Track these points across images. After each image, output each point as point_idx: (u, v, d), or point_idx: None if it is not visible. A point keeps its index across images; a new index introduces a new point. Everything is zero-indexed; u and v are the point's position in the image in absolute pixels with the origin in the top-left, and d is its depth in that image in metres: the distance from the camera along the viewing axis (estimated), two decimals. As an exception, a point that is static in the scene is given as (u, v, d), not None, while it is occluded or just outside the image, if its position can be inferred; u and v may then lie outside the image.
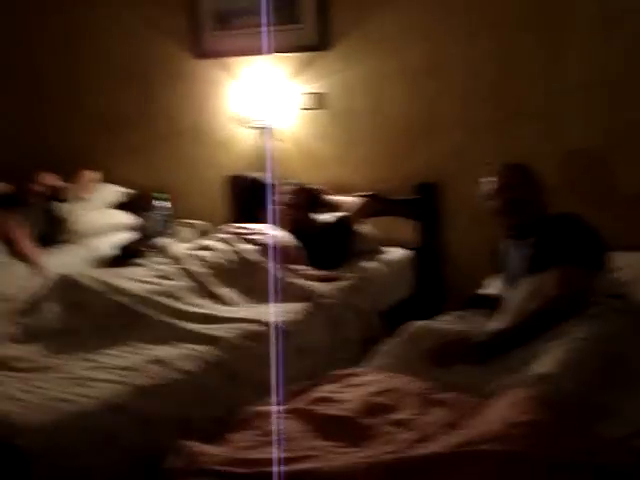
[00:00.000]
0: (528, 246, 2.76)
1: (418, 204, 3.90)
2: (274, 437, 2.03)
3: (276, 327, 3.00)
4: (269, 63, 4.19)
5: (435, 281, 3.95)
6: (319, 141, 4.23)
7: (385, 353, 2.57)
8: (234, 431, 2.14)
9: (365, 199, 3.90)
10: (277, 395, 2.37)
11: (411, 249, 3.95)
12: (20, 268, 4.10)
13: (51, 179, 4.83)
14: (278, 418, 2.12)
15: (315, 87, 4.15)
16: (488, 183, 2.91)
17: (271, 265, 3.45)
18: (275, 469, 1.83)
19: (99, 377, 2.55)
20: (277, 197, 3.94)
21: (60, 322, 3.02)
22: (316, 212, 3.93)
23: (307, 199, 3.87)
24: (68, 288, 3.16)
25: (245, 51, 4.24)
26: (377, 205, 3.92)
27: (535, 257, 2.69)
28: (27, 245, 4.22)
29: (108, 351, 2.79)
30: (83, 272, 3.69)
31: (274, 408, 2.20)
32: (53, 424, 2.25)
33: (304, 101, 4.19)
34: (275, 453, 1.93)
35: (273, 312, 3.12)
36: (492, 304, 2.85)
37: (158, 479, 2.03)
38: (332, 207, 3.97)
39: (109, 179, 4.88)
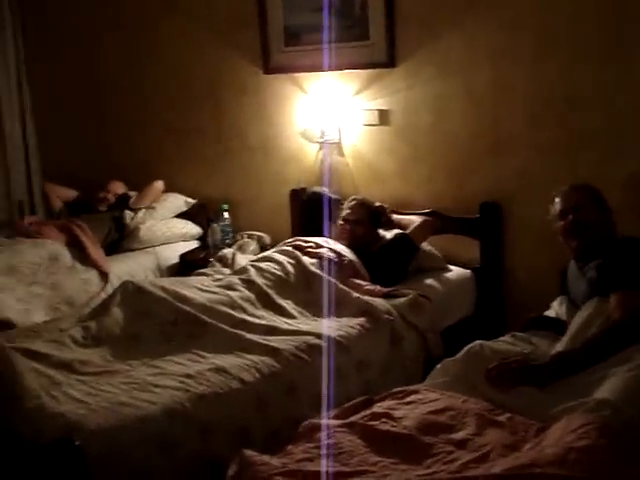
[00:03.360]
0: (592, 269, 2.74)
1: (480, 223, 3.88)
2: (331, 451, 2.05)
3: (335, 341, 3.02)
4: (336, 79, 4.23)
5: (496, 301, 3.92)
6: (382, 157, 4.25)
7: (445, 372, 2.56)
8: (292, 443, 2.16)
9: (428, 218, 3.90)
10: (335, 409, 2.39)
11: (472, 268, 3.93)
12: (87, 274, 4.21)
13: (120, 187, 4.97)
14: (336, 432, 2.14)
15: (380, 103, 4.17)
16: (555, 205, 2.90)
17: (331, 279, 3.48)
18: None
19: (161, 383, 2.60)
20: (339, 212, 3.97)
21: (125, 328, 3.10)
22: (377, 229, 3.94)
23: (368, 215, 3.88)
24: (133, 294, 3.24)
25: (313, 67, 4.29)
26: (439, 223, 3.92)
27: (599, 280, 2.67)
28: (95, 251, 4.33)
29: (171, 358, 2.85)
30: (148, 279, 3.79)
31: (332, 422, 2.22)
32: (114, 427, 2.32)
33: (368, 117, 4.21)
34: (332, 467, 1.96)
35: (332, 326, 3.15)
36: (556, 326, 2.82)
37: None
38: (394, 224, 3.98)
39: (176, 189, 4.99)
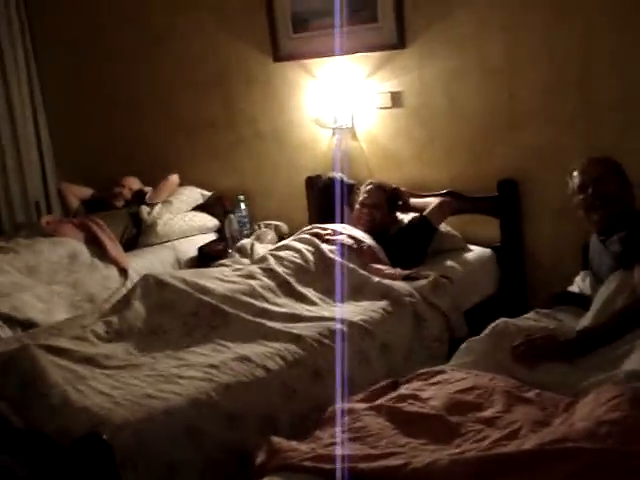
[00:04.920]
0: (615, 242, 2.70)
1: (499, 201, 3.84)
2: (360, 434, 2.04)
3: (358, 326, 3.01)
4: (346, 63, 4.20)
5: (517, 280, 3.89)
6: (397, 140, 4.22)
7: (470, 351, 2.54)
8: (320, 428, 2.15)
9: (445, 198, 3.87)
10: (361, 393, 2.38)
11: (492, 247, 3.90)
12: (107, 270, 4.22)
13: (134, 183, 4.97)
14: (363, 415, 2.13)
15: (392, 85, 4.13)
16: (574, 178, 2.86)
17: (351, 265, 3.46)
18: (361, 465, 1.84)
19: (186, 374, 2.60)
20: (356, 197, 3.95)
21: (147, 321, 3.10)
22: (395, 212, 3.92)
23: (385, 199, 3.85)
24: (154, 288, 3.24)
25: (323, 52, 4.26)
26: (457, 204, 3.89)
27: (623, 254, 2.63)
28: (114, 247, 4.34)
29: (194, 349, 2.85)
30: (167, 272, 3.79)
31: (359, 405, 2.21)
32: (141, 420, 2.31)
33: (381, 100, 4.18)
34: (360, 450, 1.94)
35: (355, 311, 3.13)
36: (581, 301, 2.79)
37: (246, 475, 2.06)
38: (411, 207, 3.95)
39: (191, 182, 4.98)
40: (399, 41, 4.03)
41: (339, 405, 2.24)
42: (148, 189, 4.87)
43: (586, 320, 2.55)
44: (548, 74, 3.64)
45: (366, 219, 3.82)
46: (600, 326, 2.43)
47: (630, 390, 1.99)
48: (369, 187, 3.88)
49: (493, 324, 2.64)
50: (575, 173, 2.85)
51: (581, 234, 3.11)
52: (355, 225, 3.84)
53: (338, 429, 2.08)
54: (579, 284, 3.12)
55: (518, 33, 3.68)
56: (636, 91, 3.42)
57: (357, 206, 3.88)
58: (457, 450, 1.88)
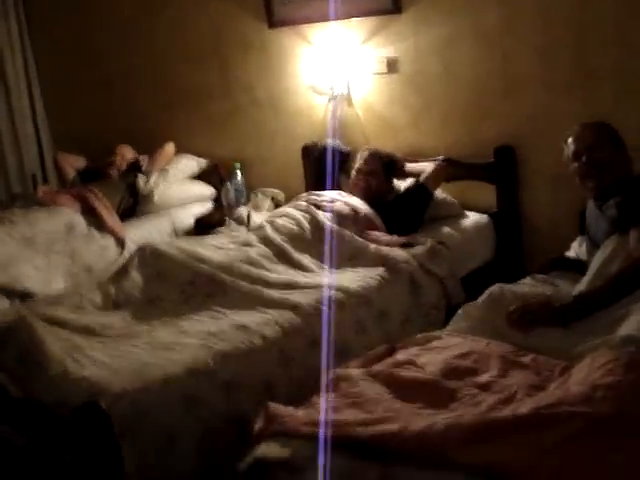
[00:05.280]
0: (611, 207, 2.70)
1: (495, 168, 3.83)
2: (356, 400, 2.05)
3: (355, 292, 3.02)
4: (341, 29, 4.16)
5: (515, 245, 3.89)
6: (392, 107, 4.19)
7: (467, 316, 2.55)
8: (316, 394, 2.16)
9: (440, 164, 3.85)
10: (358, 359, 2.39)
11: (489, 214, 3.89)
12: (104, 240, 4.22)
13: (128, 151, 4.94)
14: (360, 380, 2.14)
15: (388, 51, 4.10)
16: (569, 145, 2.84)
17: (347, 232, 3.46)
18: (357, 430, 1.85)
19: (183, 342, 2.62)
20: (352, 164, 3.94)
21: (144, 290, 3.11)
22: (391, 178, 3.91)
23: (382, 165, 3.84)
24: (151, 257, 3.24)
25: (318, 17, 4.22)
26: (453, 170, 3.87)
27: (619, 218, 2.63)
28: (110, 217, 4.33)
29: (192, 317, 2.86)
30: (164, 241, 3.79)
31: (355, 371, 2.22)
32: (139, 389, 2.32)
33: (377, 66, 4.15)
34: (357, 415, 1.96)
35: (351, 278, 3.14)
36: (577, 267, 2.80)
37: (244, 442, 2.07)
38: (407, 173, 3.94)
39: (187, 151, 4.96)
40: (394, 6, 3.99)
41: (336, 370, 2.25)
42: (143, 158, 4.85)
43: (582, 285, 2.55)
44: (543, 40, 3.61)
45: (362, 186, 3.82)
46: (596, 291, 2.43)
47: (625, 354, 2.00)
48: (365, 154, 3.87)
49: (489, 290, 2.65)
50: (570, 140, 2.84)
51: (577, 200, 3.10)
52: (351, 192, 3.83)
53: (335, 394, 2.09)
54: (576, 249, 3.12)
55: (513, -1, 3.65)
56: (632, 57, 3.39)
57: (353, 173, 3.87)
58: (453, 414, 1.89)
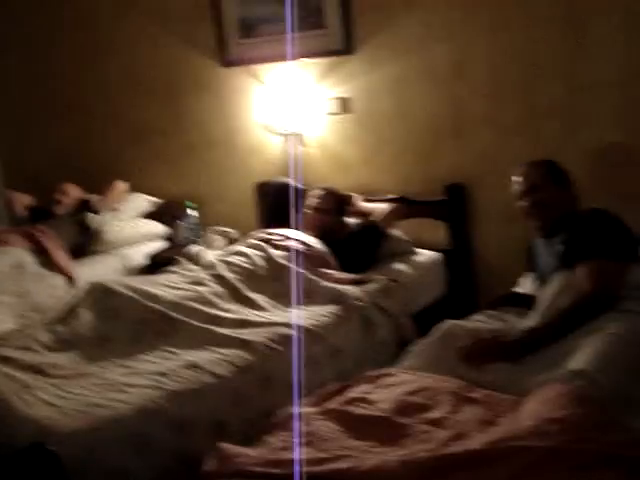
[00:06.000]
0: (557, 243, 2.75)
1: (447, 205, 3.88)
2: (309, 438, 2.04)
3: (308, 330, 3.01)
4: (295, 69, 4.20)
5: (466, 282, 3.93)
6: (346, 145, 4.24)
7: (418, 353, 2.57)
8: (269, 433, 2.15)
9: (394, 204, 3.88)
10: (311, 397, 2.38)
11: (441, 251, 3.93)
12: (54, 279, 4.15)
13: (75, 190, 4.88)
14: (312, 419, 2.13)
15: (341, 91, 4.15)
16: (515, 184, 2.90)
17: (301, 269, 3.46)
18: (310, 469, 1.84)
19: (134, 382, 2.57)
20: (306, 202, 3.95)
21: (94, 329, 3.05)
22: (344, 217, 3.93)
23: (335, 204, 3.87)
24: (101, 295, 3.20)
25: (271, 57, 4.27)
26: (406, 210, 3.91)
27: (565, 253, 2.68)
28: (60, 256, 4.26)
29: (143, 357, 2.81)
30: (115, 279, 3.74)
31: (308, 409, 2.21)
32: (88, 429, 2.27)
33: (330, 106, 4.20)
34: (310, 454, 1.94)
35: (304, 315, 3.13)
36: (526, 302, 2.84)
37: (195, 482, 2.05)
38: (361, 213, 3.97)
39: (140, 189, 4.93)
40: (346, 47, 4.05)
41: (288, 409, 2.24)
42: (93, 197, 4.80)
43: (531, 320, 2.59)
44: (492, 79, 3.70)
45: (316, 224, 3.83)
46: (544, 326, 2.46)
47: (574, 388, 2.03)
48: (320, 192, 3.88)
49: (440, 326, 2.67)
50: (516, 179, 2.90)
51: (527, 236, 3.15)
52: (305, 229, 3.84)
53: (287, 433, 2.08)
54: (525, 285, 3.17)
55: (462, 39, 3.73)
56: (577, 94, 3.48)
57: (307, 211, 3.88)
58: (405, 451, 1.89)
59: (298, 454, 1.93)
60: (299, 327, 2.99)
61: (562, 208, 2.80)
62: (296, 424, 2.12)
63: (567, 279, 2.59)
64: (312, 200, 3.87)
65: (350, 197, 3.94)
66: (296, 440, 2.03)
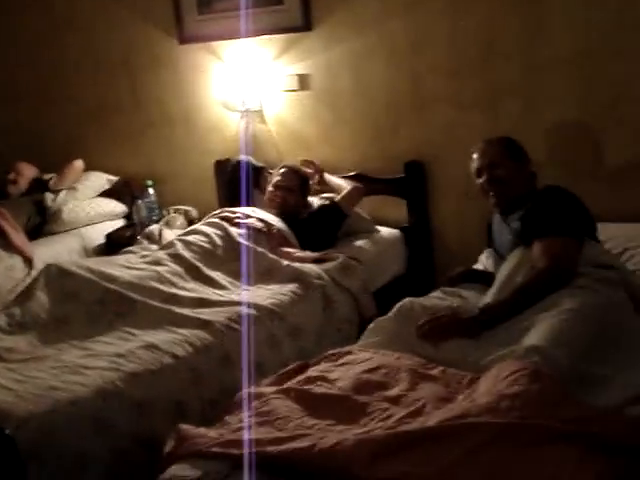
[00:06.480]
0: (515, 220, 2.77)
1: (406, 182, 3.89)
2: (268, 417, 2.04)
3: (267, 309, 3.01)
4: (253, 45, 4.17)
5: (426, 259, 3.95)
6: (305, 122, 4.22)
7: (377, 331, 2.57)
8: (229, 413, 2.15)
9: (358, 186, 3.86)
10: (271, 376, 2.38)
11: (401, 228, 3.95)
12: (10, 260, 4.09)
13: (29, 169, 4.80)
14: (271, 398, 2.13)
15: (299, 68, 4.13)
16: (473, 162, 2.91)
17: (260, 248, 3.45)
18: (269, 448, 1.84)
19: (91, 365, 2.55)
20: (268, 180, 3.93)
21: (51, 311, 3.02)
22: (307, 195, 3.92)
23: (298, 182, 3.84)
24: (57, 277, 3.16)
25: (229, 34, 4.22)
26: (366, 189, 3.89)
27: (522, 230, 2.70)
28: (17, 236, 4.20)
29: (100, 338, 2.80)
30: (72, 261, 3.70)
31: (267, 389, 2.22)
32: (46, 412, 2.27)
33: (288, 83, 4.17)
34: (269, 433, 1.95)
35: (264, 294, 3.13)
36: (485, 279, 2.86)
37: (155, 464, 2.04)
38: (325, 183, 3.96)
39: (98, 167, 4.87)
40: (305, 23, 4.03)
41: (248, 389, 2.24)
42: (49, 176, 4.74)
43: (488, 297, 2.61)
44: (450, 55, 3.70)
45: (278, 202, 3.81)
46: (500, 303, 2.48)
47: (530, 364, 2.05)
48: (283, 170, 3.85)
49: (399, 304, 2.68)
50: (474, 156, 2.91)
51: (486, 213, 3.17)
52: (267, 207, 3.82)
53: (246, 413, 2.08)
54: (484, 262, 3.20)
55: (420, 15, 3.72)
56: (536, 72, 3.50)
57: (270, 188, 3.85)
58: (363, 429, 1.90)
59: (258, 434, 1.94)
60: (259, 306, 2.99)
61: (520, 185, 2.81)
62: (252, 404, 2.12)
63: (524, 256, 2.61)
64: (275, 178, 3.84)
65: (311, 175, 3.92)
66: (256, 420, 2.03)
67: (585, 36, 3.37)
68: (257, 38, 4.15)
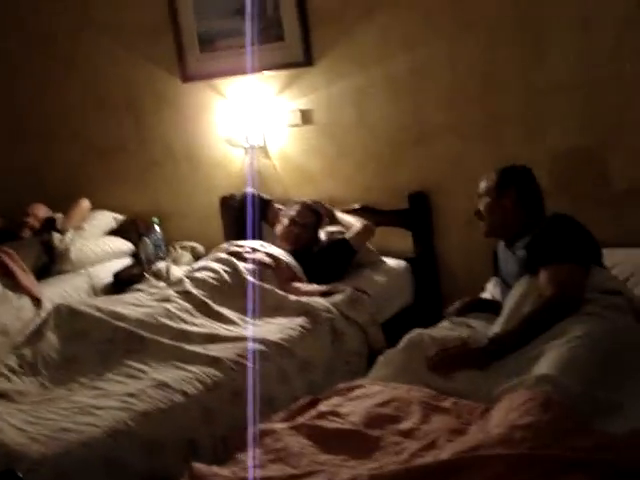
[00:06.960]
0: (520, 248, 2.78)
1: (410, 214, 3.91)
2: (280, 454, 2.04)
3: (277, 344, 3.01)
4: (255, 82, 4.21)
5: (433, 289, 3.96)
6: (309, 156, 4.25)
7: (386, 363, 2.57)
8: (241, 450, 2.14)
9: (368, 224, 3.86)
10: (282, 412, 2.38)
11: (406, 259, 3.96)
12: (19, 301, 4.10)
13: (42, 210, 4.84)
14: (283, 435, 2.13)
15: (302, 103, 4.17)
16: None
17: (267, 284, 3.46)
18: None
19: (102, 404, 2.56)
20: (279, 213, 3.95)
21: (61, 351, 3.02)
22: (318, 231, 3.94)
23: (312, 218, 3.87)
24: (67, 317, 3.16)
25: (231, 71, 4.27)
26: (375, 226, 3.90)
27: (528, 259, 2.71)
28: (25, 277, 4.22)
29: (111, 377, 2.80)
30: (80, 300, 3.71)
31: (279, 425, 2.21)
32: (58, 454, 2.26)
33: (291, 118, 4.21)
34: (281, 470, 1.94)
35: (273, 329, 3.13)
36: (493, 308, 2.86)
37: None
38: (337, 221, 3.99)
39: (104, 206, 4.90)
40: (306, 59, 4.07)
41: (260, 426, 2.24)
42: (58, 216, 4.77)
43: (497, 326, 2.61)
44: (451, 88, 3.73)
45: (293, 237, 3.82)
46: (509, 333, 2.48)
47: (541, 394, 2.04)
48: (299, 207, 3.87)
49: (408, 335, 2.68)
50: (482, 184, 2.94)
51: (491, 241, 3.18)
52: (280, 241, 3.83)
53: (259, 451, 2.08)
54: (491, 290, 3.20)
55: (420, 47, 3.76)
56: (536, 100, 3.53)
57: (285, 221, 3.86)
58: (376, 464, 1.90)
59: (271, 471, 1.93)
60: (268, 342, 2.99)
61: (507, 218, 2.84)
62: (264, 441, 2.12)
63: (531, 284, 2.62)
64: (290, 213, 3.86)
65: (325, 211, 3.94)
66: (268, 457, 2.03)
67: (585, 63, 3.40)
68: (259, 74, 4.18)
